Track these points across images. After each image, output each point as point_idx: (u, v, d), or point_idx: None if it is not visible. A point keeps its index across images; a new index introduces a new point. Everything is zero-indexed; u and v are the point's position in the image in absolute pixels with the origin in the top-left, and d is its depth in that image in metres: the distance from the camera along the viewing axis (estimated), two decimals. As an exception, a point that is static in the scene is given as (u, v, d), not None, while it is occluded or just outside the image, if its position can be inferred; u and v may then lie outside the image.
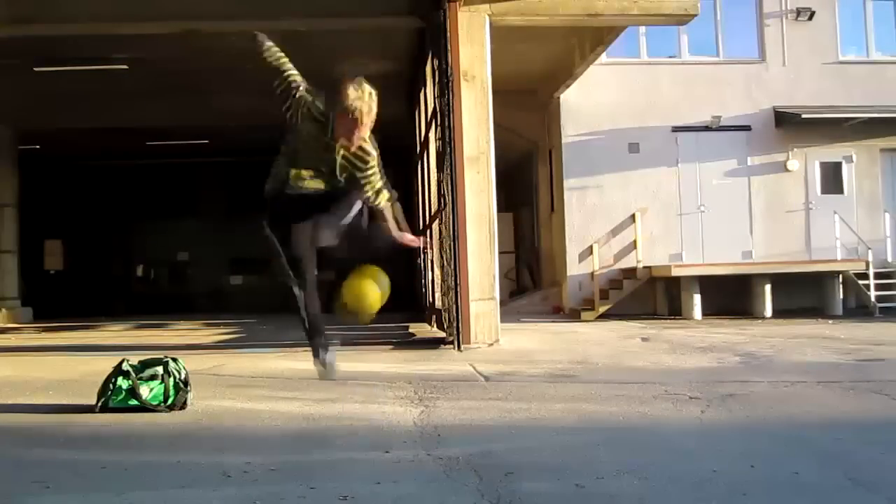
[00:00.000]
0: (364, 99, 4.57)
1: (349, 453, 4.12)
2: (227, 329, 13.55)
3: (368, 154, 4.76)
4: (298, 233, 4.85)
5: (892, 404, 5.44)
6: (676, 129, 15.73)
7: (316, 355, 4.98)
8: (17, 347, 11.34)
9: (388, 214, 4.94)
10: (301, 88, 4.78)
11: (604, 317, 14.58)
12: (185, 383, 5.41)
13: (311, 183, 4.81)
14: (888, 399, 5.58)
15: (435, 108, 10.60)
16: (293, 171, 4.81)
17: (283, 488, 3.46)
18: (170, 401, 5.28)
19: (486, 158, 9.87)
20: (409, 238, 5.05)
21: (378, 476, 3.61)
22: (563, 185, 15.75)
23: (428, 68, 11.89)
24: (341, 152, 4.73)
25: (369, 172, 4.81)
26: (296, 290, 4.83)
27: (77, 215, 24.14)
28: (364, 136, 4.71)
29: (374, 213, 4.93)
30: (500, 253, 10.79)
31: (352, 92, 4.57)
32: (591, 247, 15.48)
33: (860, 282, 14.88)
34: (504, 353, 8.88)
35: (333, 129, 4.68)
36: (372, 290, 4.82)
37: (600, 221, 15.57)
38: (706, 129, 15.68)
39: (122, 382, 5.27)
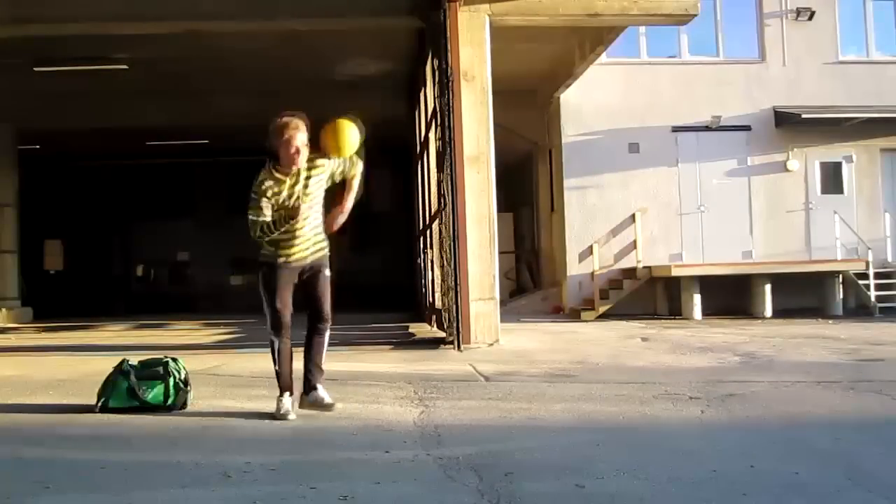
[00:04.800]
0: (290, 122, 4.87)
1: (349, 453, 4.12)
2: (227, 329, 13.54)
3: (319, 165, 5.02)
4: (287, 292, 5.02)
5: (892, 404, 5.44)
6: (676, 129, 15.73)
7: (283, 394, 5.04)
8: (17, 347, 11.33)
9: (354, 186, 5.19)
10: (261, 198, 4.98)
11: (604, 317, 14.57)
12: (185, 383, 5.42)
13: (296, 252, 5.01)
14: (888, 399, 5.58)
15: (435, 108, 10.60)
16: (281, 252, 5.01)
17: (283, 488, 3.46)
18: (170, 401, 5.28)
19: (486, 158, 9.87)
20: (337, 221, 5.17)
21: (378, 476, 3.61)
22: (563, 185, 15.74)
23: (428, 68, 11.89)
24: (298, 175, 4.94)
25: (328, 170, 5.05)
26: (277, 343, 5.03)
27: (77, 215, 24.12)
28: (304, 148, 4.88)
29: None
30: (500, 253, 10.78)
31: (276, 122, 4.90)
32: (591, 247, 15.48)
33: (860, 282, 14.88)
34: (504, 353, 8.87)
35: (277, 163, 4.94)
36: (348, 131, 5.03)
37: (600, 221, 15.57)
38: (706, 129, 15.67)
39: (122, 382, 5.28)
